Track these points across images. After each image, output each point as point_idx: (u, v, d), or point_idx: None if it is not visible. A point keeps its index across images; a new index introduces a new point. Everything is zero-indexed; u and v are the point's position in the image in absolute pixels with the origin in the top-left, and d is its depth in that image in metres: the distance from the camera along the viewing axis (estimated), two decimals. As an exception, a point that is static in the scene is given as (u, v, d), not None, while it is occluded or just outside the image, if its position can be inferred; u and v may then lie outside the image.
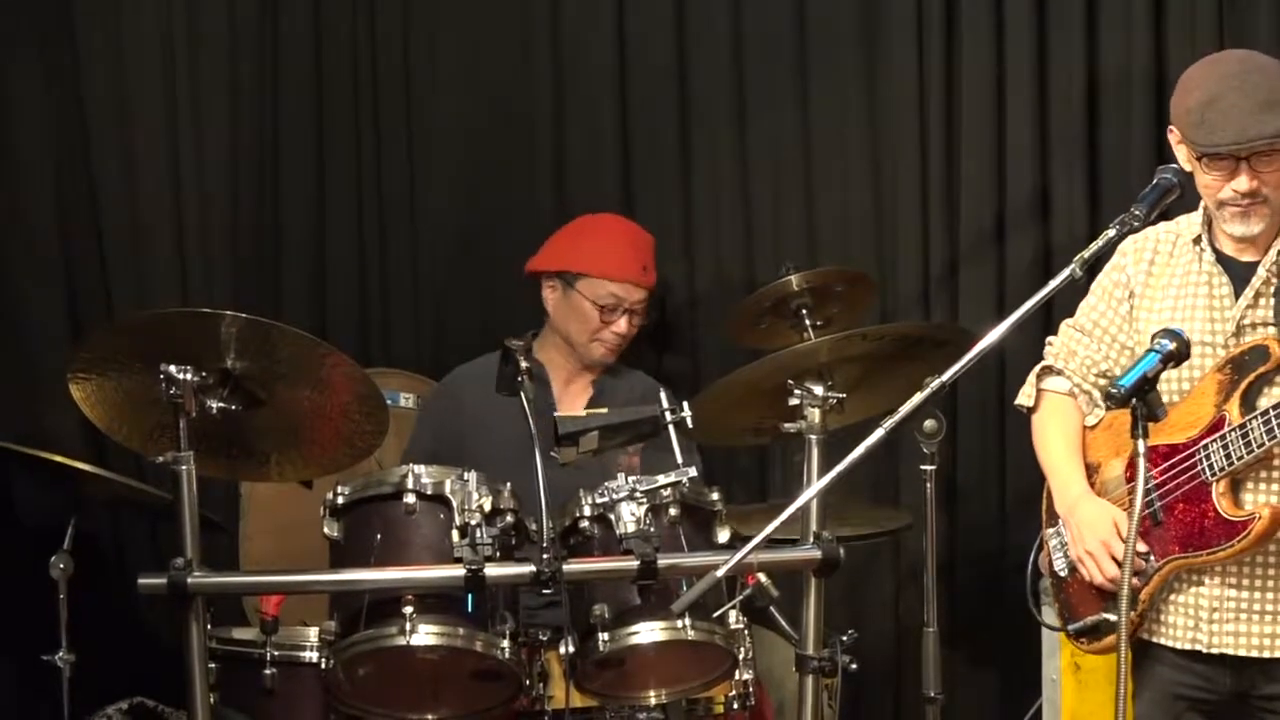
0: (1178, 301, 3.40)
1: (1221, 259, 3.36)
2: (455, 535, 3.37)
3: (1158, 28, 4.54)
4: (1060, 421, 3.58)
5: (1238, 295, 3.33)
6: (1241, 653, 3.31)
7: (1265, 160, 3.20)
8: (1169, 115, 3.32)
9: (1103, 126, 4.62)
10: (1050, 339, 3.63)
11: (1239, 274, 3.34)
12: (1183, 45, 4.37)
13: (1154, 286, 3.45)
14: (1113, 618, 3.39)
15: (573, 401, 4.39)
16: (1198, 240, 3.39)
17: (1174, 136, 3.33)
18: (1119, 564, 3.34)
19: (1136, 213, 3.12)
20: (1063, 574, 3.55)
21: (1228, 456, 3.24)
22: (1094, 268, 3.41)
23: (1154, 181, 3.24)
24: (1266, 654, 3.30)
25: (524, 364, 3.48)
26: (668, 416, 3.55)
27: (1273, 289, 3.30)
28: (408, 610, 3.32)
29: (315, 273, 5.04)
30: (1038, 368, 3.64)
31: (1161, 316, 3.40)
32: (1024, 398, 3.65)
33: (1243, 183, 3.22)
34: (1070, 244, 4.37)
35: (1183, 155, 3.31)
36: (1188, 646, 3.36)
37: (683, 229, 4.93)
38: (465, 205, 5.05)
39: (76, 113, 4.87)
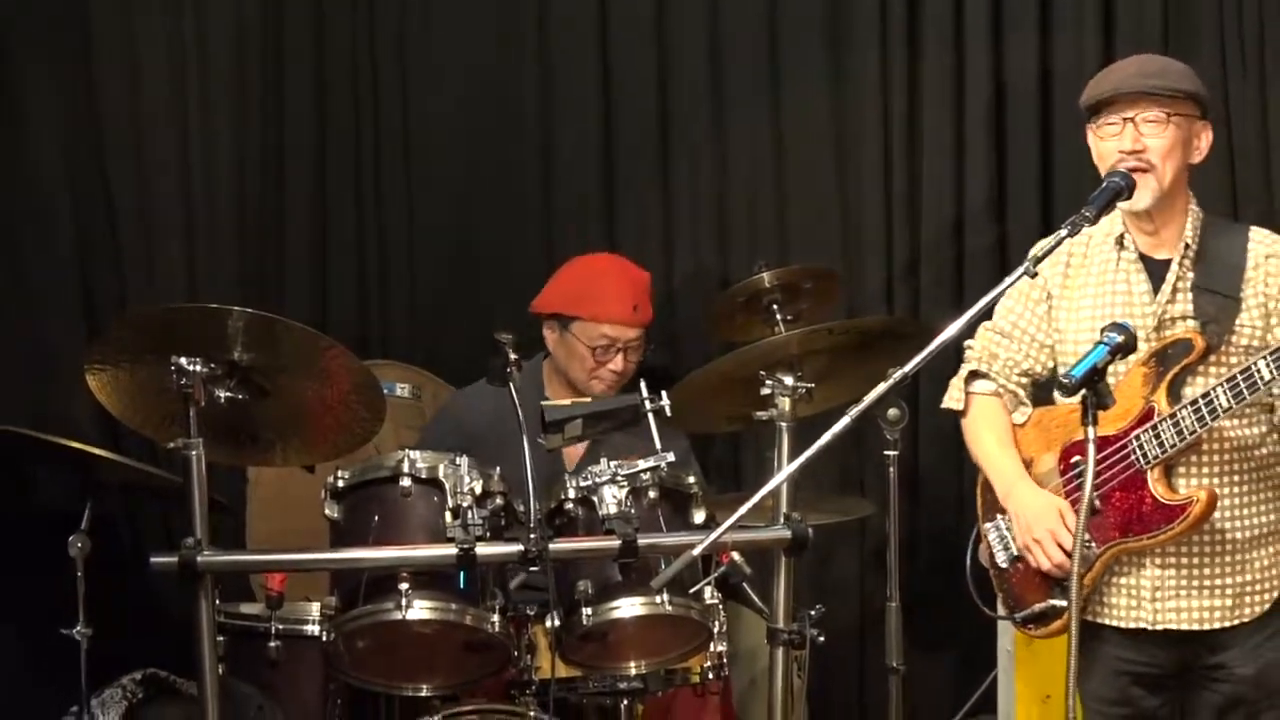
0: (1097, 300, 3.49)
1: (1140, 258, 3.44)
2: (448, 516, 3.44)
3: (1107, 32, 4.64)
4: (990, 420, 3.64)
5: (1155, 291, 3.41)
6: (1184, 627, 3.42)
7: (1149, 125, 3.34)
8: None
9: (1056, 128, 4.69)
10: (969, 343, 3.67)
11: (1155, 271, 3.43)
12: (1130, 48, 4.36)
13: (1072, 288, 3.52)
14: (1059, 603, 3.48)
15: None
16: (1120, 240, 3.46)
17: (1088, 131, 3.46)
18: (1064, 550, 3.42)
19: (1086, 214, 3.18)
20: (1004, 565, 3.61)
21: (1160, 445, 3.34)
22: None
23: (1103, 185, 3.30)
24: (1207, 626, 3.41)
25: (513, 355, 3.50)
26: (647, 405, 3.58)
27: (1189, 284, 3.38)
28: (403, 586, 3.40)
29: (316, 269, 5.08)
30: (963, 371, 3.69)
31: (1082, 315, 3.48)
32: (952, 401, 3.70)
33: (1126, 140, 3.34)
34: (1025, 242, 4.20)
35: (1095, 150, 3.43)
36: (1132, 625, 3.45)
37: (662, 229, 4.98)
38: (459, 204, 5.10)
39: (91, 118, 4.90)
